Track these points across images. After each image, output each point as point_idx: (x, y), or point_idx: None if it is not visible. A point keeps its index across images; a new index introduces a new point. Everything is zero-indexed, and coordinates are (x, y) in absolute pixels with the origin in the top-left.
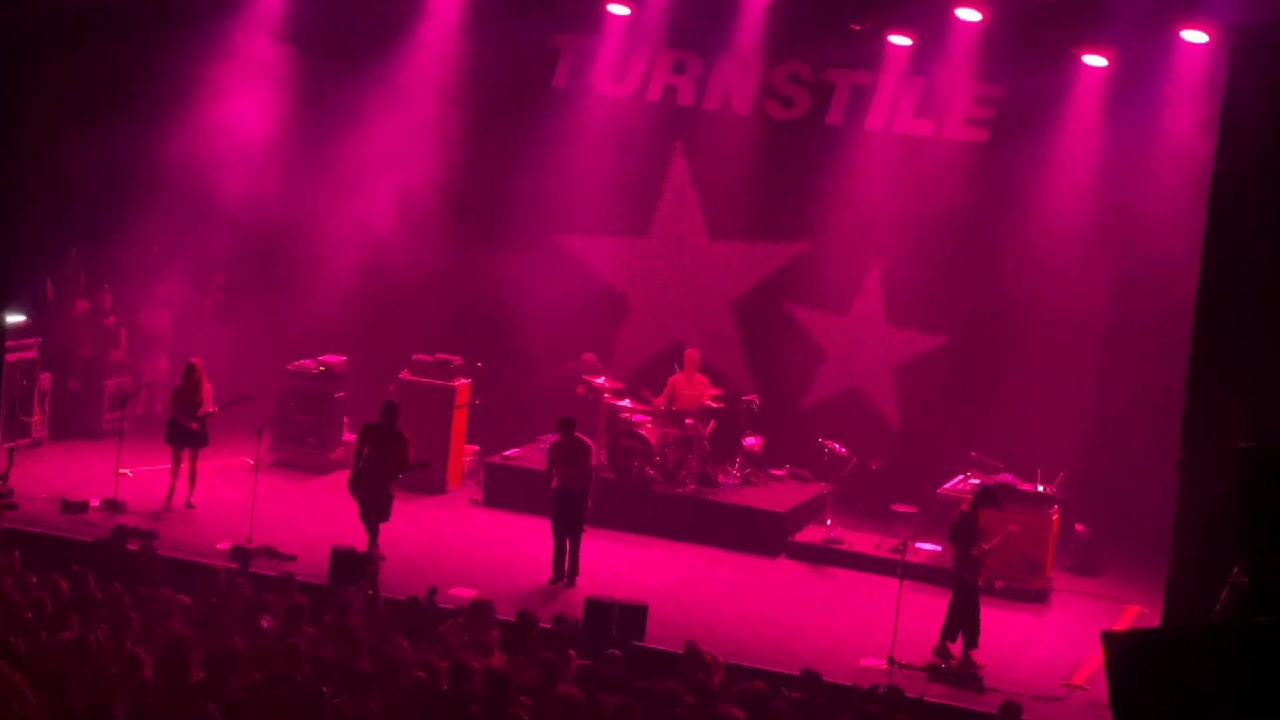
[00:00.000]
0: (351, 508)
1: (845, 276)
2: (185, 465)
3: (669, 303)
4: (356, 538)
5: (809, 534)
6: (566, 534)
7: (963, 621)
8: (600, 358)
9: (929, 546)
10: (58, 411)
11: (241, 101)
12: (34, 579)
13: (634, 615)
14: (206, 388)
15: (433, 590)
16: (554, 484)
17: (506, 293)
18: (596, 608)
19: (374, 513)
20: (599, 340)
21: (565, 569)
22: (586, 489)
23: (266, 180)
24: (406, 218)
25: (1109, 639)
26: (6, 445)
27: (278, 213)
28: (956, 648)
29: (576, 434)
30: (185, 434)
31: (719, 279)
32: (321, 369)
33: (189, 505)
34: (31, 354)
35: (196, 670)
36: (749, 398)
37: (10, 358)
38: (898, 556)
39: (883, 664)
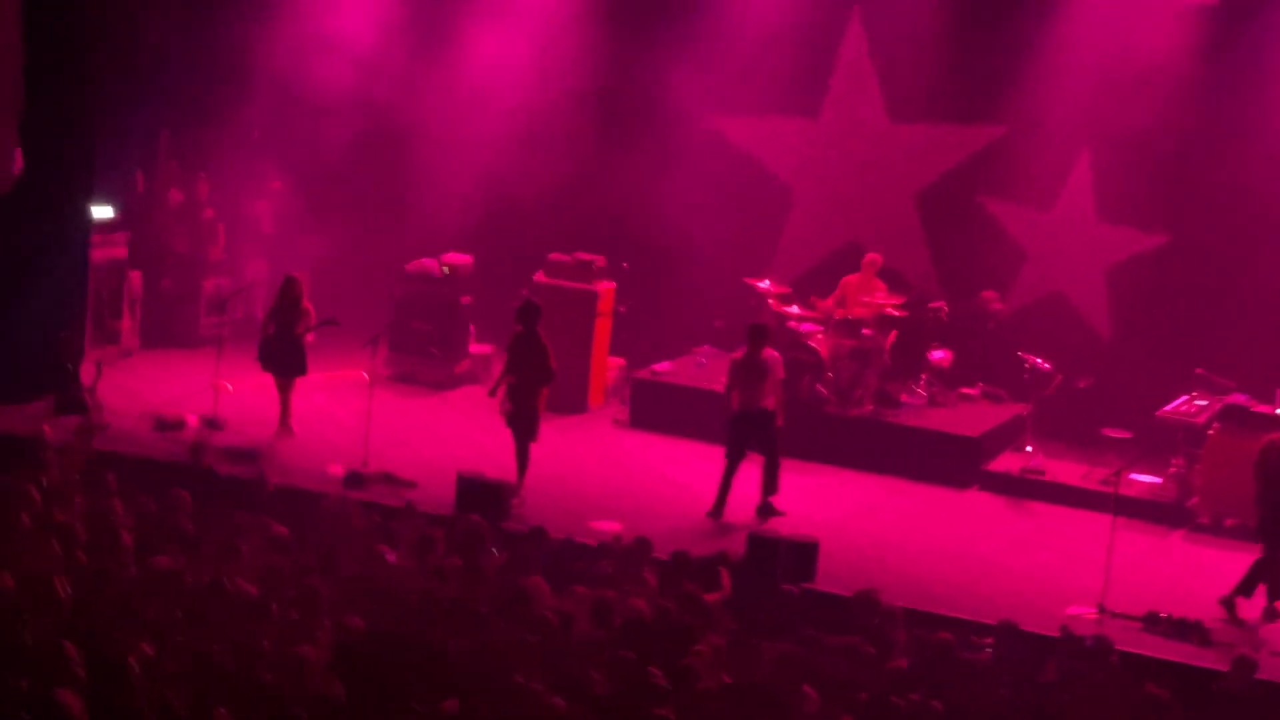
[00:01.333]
0: (480, 427)
1: (1049, 166)
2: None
3: (842, 196)
4: (486, 462)
5: (1005, 462)
6: (745, 461)
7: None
8: (762, 259)
9: (1146, 478)
10: (149, 316)
11: None
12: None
13: (803, 554)
14: (306, 308)
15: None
16: (735, 406)
17: (655, 186)
18: (761, 545)
19: (521, 432)
20: (761, 239)
21: (725, 502)
22: (775, 410)
23: (381, 72)
24: (540, 110)
25: None
26: (94, 355)
27: (393, 108)
28: (1250, 607)
29: (767, 348)
30: (277, 359)
31: (901, 169)
32: (446, 270)
33: (285, 432)
34: (121, 251)
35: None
36: (935, 305)
37: (97, 255)
38: (1109, 489)
39: (1092, 612)
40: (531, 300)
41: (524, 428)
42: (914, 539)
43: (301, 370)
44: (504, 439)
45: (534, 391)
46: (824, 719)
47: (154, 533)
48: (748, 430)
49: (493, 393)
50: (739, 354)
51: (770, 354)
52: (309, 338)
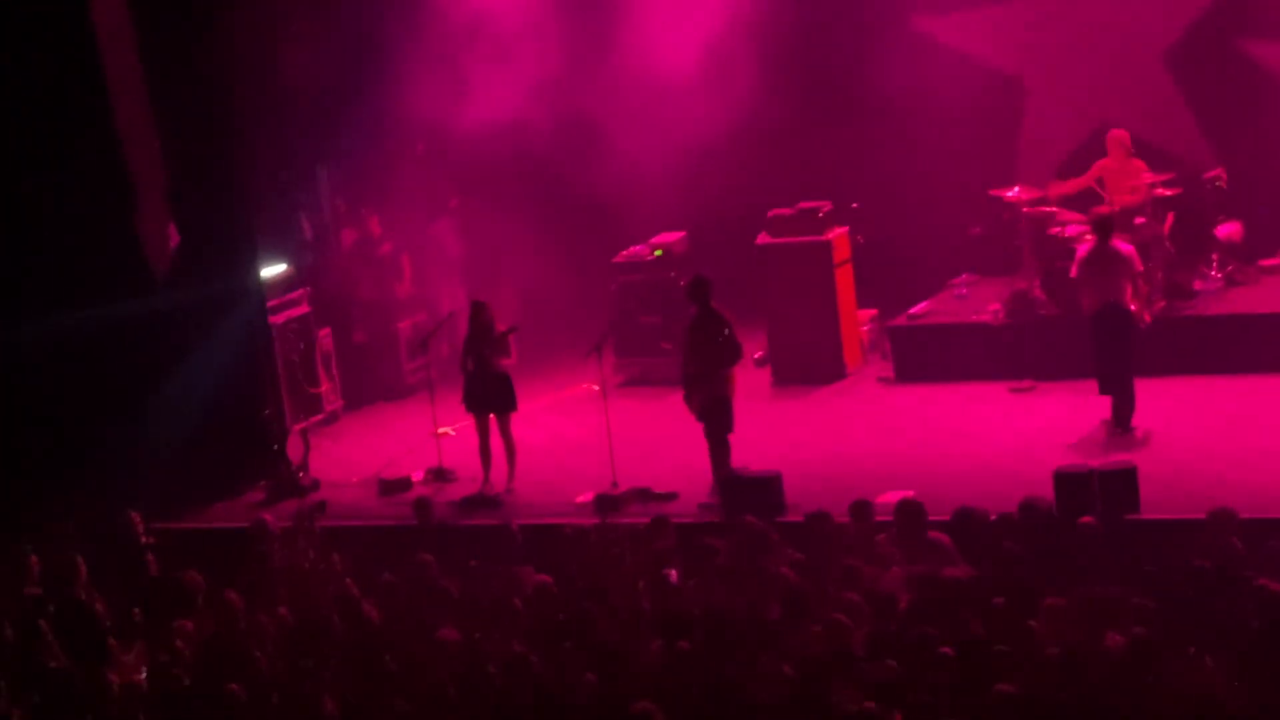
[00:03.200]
0: (742, 419)
1: None
2: (496, 438)
3: (1079, 75)
4: (751, 456)
5: None
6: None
7: None
8: (1006, 165)
9: None
10: (348, 373)
11: None
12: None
13: (1121, 481)
14: (501, 331)
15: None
16: (1087, 307)
17: (867, 111)
18: (1070, 482)
19: (714, 425)
20: (999, 144)
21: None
22: (1127, 308)
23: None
24: (723, 56)
25: None
26: (298, 427)
27: (560, 92)
28: None
29: (1115, 239)
30: (482, 398)
31: (1141, 28)
32: (658, 253)
33: (509, 491)
34: (303, 309)
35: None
36: (1212, 174)
37: (278, 318)
38: None
39: None
40: (700, 275)
41: (718, 422)
42: (1252, 441)
43: (512, 405)
44: (757, 427)
45: (723, 377)
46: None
47: (408, 605)
48: (1104, 331)
49: (688, 397)
50: (1086, 248)
51: (1120, 245)
52: (508, 362)
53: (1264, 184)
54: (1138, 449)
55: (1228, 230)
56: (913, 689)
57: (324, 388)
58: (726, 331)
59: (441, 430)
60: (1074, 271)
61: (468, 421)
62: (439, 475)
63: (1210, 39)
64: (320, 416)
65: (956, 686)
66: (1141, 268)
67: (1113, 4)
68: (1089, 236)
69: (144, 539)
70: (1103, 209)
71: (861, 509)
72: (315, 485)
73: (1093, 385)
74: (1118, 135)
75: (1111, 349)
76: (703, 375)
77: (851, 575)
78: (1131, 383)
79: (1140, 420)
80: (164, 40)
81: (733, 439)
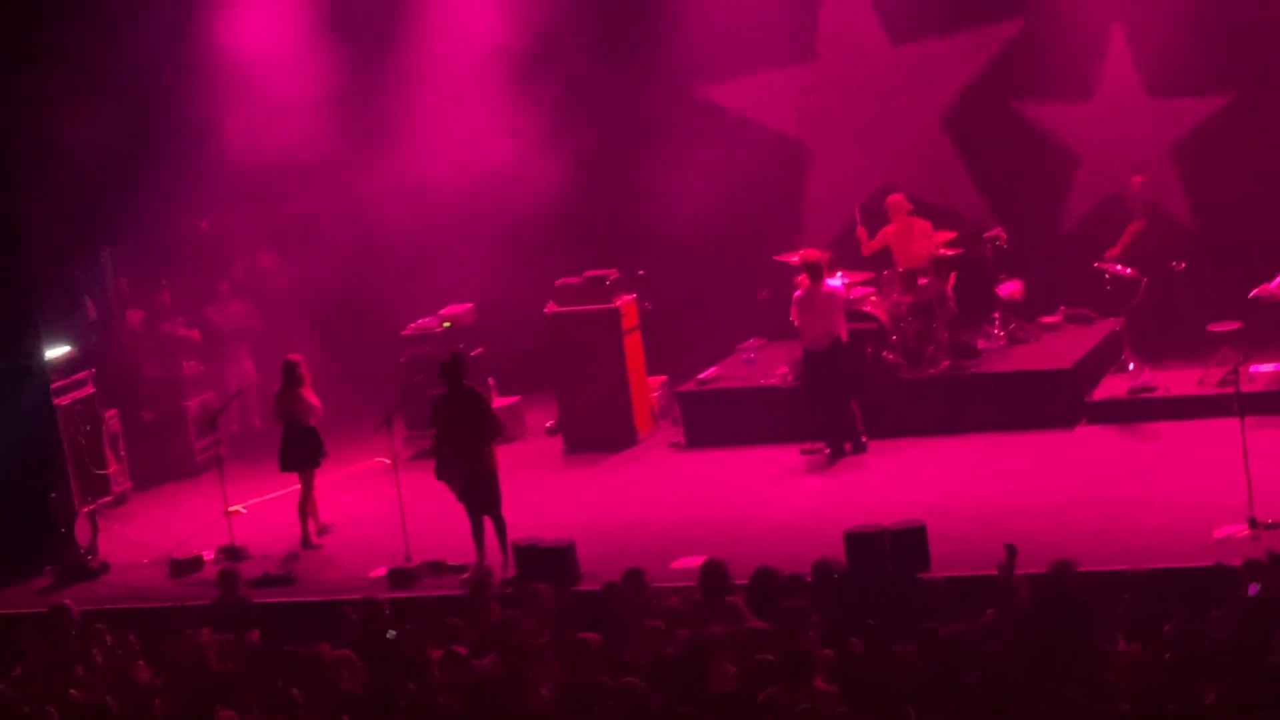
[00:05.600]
0: (525, 486)
1: (1080, 50)
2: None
3: (861, 138)
4: (543, 525)
5: (1110, 387)
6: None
7: None
8: (792, 229)
9: (1267, 367)
10: (136, 453)
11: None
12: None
13: (911, 540)
14: (307, 393)
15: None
16: (808, 344)
17: (654, 178)
18: (861, 542)
19: (483, 501)
20: (784, 207)
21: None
22: (842, 340)
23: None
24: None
25: None
26: (85, 510)
27: (349, 164)
28: None
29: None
30: (292, 452)
31: (917, 91)
32: (446, 325)
33: (311, 542)
34: (88, 389)
35: None
36: (992, 233)
37: (63, 401)
38: (1230, 390)
39: (1243, 529)
40: (457, 354)
41: (486, 498)
42: (1030, 496)
43: (318, 461)
44: (555, 494)
45: (486, 454)
46: None
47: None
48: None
49: (440, 473)
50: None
51: (829, 285)
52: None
53: (1042, 242)
54: (928, 510)
55: (1009, 288)
56: None
57: (112, 469)
58: (483, 408)
59: (232, 509)
60: (793, 314)
61: (259, 499)
62: (230, 554)
63: (985, 101)
64: (109, 498)
65: None
66: (848, 295)
67: (889, 67)
68: (801, 279)
69: None
70: (812, 253)
71: (635, 575)
72: (105, 568)
73: (879, 443)
74: (896, 200)
75: (830, 379)
76: (461, 454)
77: (651, 637)
78: (850, 406)
79: (924, 481)
80: None
81: (525, 508)
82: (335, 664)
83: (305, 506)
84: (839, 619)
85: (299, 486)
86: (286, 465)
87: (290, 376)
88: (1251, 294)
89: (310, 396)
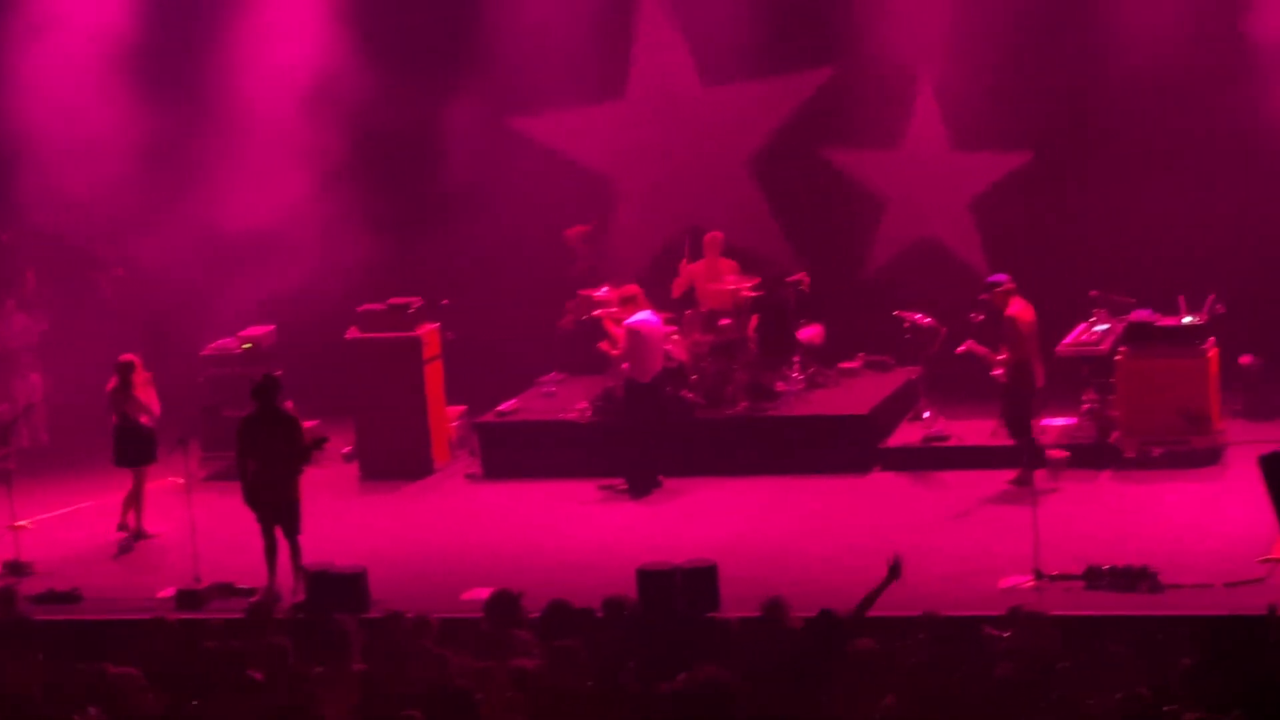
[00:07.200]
0: (327, 514)
1: (889, 100)
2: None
3: (668, 177)
4: (336, 552)
5: (904, 435)
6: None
7: None
8: (593, 266)
9: (1059, 422)
10: None
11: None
12: None
13: (702, 580)
14: (147, 390)
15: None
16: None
17: (463, 209)
18: (653, 580)
19: (284, 524)
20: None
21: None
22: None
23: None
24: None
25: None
26: None
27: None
28: None
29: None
30: (126, 450)
31: (727, 134)
32: (247, 346)
33: (136, 538)
34: None
35: None
36: (795, 278)
37: None
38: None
39: (1028, 580)
40: (270, 375)
41: (288, 522)
42: (820, 540)
43: (152, 458)
44: (349, 520)
45: (289, 477)
46: None
47: None
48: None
49: (247, 496)
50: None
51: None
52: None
53: (843, 288)
54: (720, 550)
55: (809, 333)
56: None
57: None
58: (295, 431)
59: (19, 523)
60: (621, 345)
61: (46, 514)
62: (15, 569)
63: (794, 146)
64: None
65: None
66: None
67: (699, 109)
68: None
69: None
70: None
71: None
72: None
73: (675, 482)
74: (714, 237)
75: (654, 411)
76: (272, 476)
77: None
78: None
79: (718, 521)
80: None
81: (319, 534)
82: (123, 683)
83: (131, 501)
84: (623, 656)
85: (89, 503)
86: (121, 461)
87: (125, 375)
88: (1056, 349)
89: (144, 395)
